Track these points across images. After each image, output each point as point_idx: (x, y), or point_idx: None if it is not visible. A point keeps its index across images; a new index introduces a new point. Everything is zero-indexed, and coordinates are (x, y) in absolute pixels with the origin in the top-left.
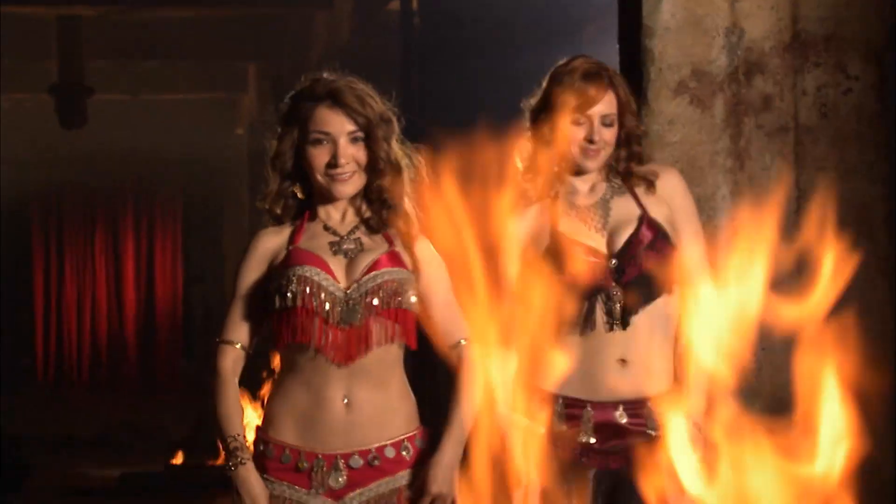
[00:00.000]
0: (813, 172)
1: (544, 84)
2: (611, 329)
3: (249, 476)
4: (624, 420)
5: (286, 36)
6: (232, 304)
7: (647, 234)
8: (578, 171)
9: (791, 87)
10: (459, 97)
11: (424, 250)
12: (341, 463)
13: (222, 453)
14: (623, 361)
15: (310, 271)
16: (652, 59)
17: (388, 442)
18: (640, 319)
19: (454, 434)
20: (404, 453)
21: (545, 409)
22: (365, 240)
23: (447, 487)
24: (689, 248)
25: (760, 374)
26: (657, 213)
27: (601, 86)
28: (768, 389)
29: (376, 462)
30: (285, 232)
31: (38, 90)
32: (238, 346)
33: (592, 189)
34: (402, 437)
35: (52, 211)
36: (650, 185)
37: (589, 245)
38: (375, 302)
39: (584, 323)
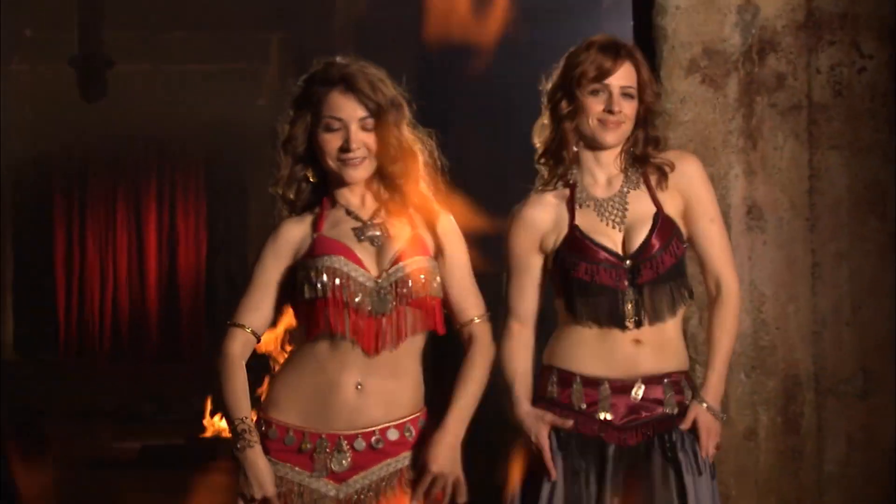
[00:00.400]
0: (826, 151)
1: (561, 63)
2: (623, 329)
3: (257, 459)
4: (640, 397)
5: (308, 6)
6: (248, 289)
7: (663, 235)
8: (596, 148)
9: (805, 66)
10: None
11: (446, 227)
12: (345, 444)
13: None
14: (637, 342)
15: (338, 262)
16: (664, 37)
17: (392, 423)
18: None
19: (458, 413)
20: (407, 434)
21: (564, 386)
22: (389, 225)
23: (449, 467)
24: (709, 236)
25: (774, 353)
26: (671, 208)
27: (620, 55)
28: (782, 368)
29: (380, 444)
30: (307, 220)
31: (59, 61)
32: (249, 330)
33: (609, 182)
34: (405, 419)
35: (75, 181)
36: (663, 175)
37: (604, 244)
38: (405, 291)
39: (597, 319)
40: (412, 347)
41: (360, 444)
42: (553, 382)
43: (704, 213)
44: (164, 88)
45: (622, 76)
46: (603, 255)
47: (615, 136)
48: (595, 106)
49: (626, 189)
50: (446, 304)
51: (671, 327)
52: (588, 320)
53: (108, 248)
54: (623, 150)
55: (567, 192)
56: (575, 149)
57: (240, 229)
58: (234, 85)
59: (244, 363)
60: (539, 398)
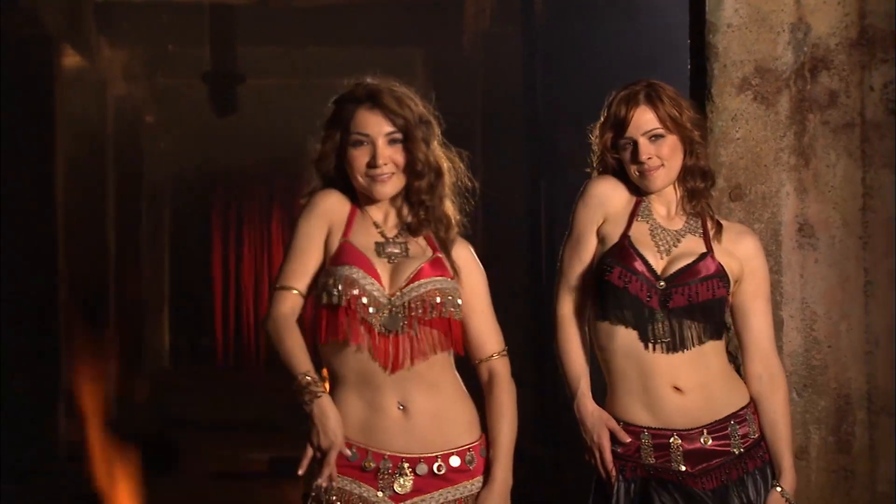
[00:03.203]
0: (880, 169)
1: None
2: (652, 349)
3: (327, 408)
4: (709, 443)
5: (443, 22)
6: (290, 253)
7: (704, 269)
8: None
9: (858, 84)
10: (582, 82)
11: (462, 256)
12: (406, 467)
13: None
14: (677, 390)
15: (357, 273)
16: (716, 55)
17: (454, 450)
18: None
19: (502, 461)
20: (469, 463)
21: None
22: (410, 245)
23: None
24: (759, 315)
25: (826, 372)
26: (723, 258)
27: (630, 103)
28: (834, 387)
29: (442, 471)
30: (346, 207)
31: (194, 76)
32: (295, 292)
33: (670, 215)
34: (468, 445)
35: (233, 194)
36: (720, 230)
37: (647, 261)
38: (419, 312)
39: (628, 336)
40: (437, 361)
41: (423, 469)
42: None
43: (761, 291)
44: (309, 103)
45: (641, 123)
46: (641, 266)
47: (658, 181)
48: (627, 159)
49: (684, 230)
50: (464, 336)
51: (713, 368)
52: (617, 324)
53: (264, 260)
54: (678, 182)
55: (635, 200)
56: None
57: None
58: None
59: (295, 322)
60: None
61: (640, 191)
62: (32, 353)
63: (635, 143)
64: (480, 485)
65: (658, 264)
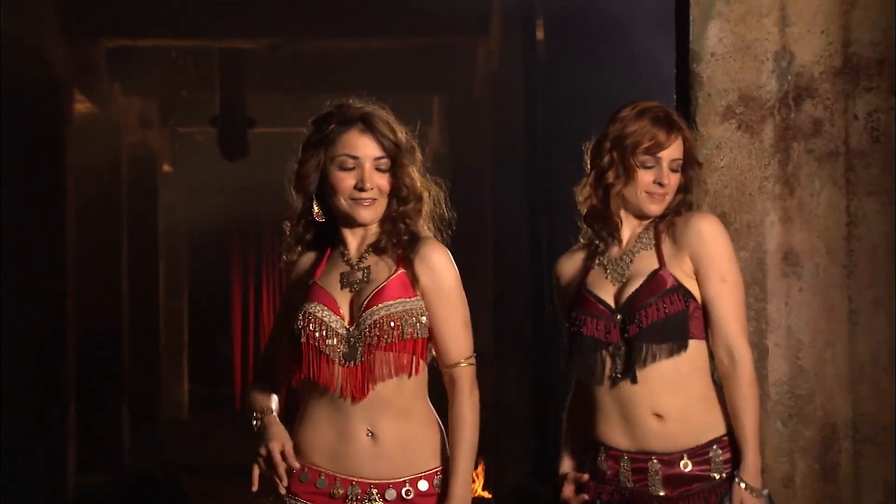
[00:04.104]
0: (864, 197)
1: (609, 127)
2: (614, 384)
3: (270, 422)
4: (689, 469)
5: (455, 67)
6: (272, 330)
7: (652, 290)
8: (640, 216)
9: (842, 112)
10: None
11: (432, 262)
12: (375, 493)
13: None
14: (658, 416)
15: (316, 308)
16: (700, 83)
17: (422, 474)
18: (663, 373)
19: (461, 476)
20: (436, 485)
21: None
22: (373, 267)
23: None
24: (718, 299)
25: (812, 400)
26: (676, 267)
27: (673, 129)
28: (820, 416)
29: (410, 495)
30: (313, 263)
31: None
32: (270, 377)
33: (628, 241)
34: (435, 469)
35: (250, 241)
36: (672, 229)
37: (600, 296)
38: (374, 340)
39: (598, 376)
40: (405, 386)
41: (392, 495)
42: (601, 460)
43: (715, 272)
44: None
45: (674, 150)
46: (595, 306)
47: (660, 207)
48: (645, 177)
49: (636, 249)
50: (432, 343)
51: (695, 390)
52: (571, 374)
53: None
54: (653, 223)
55: (593, 250)
56: (622, 215)
57: None
58: None
59: (270, 380)
60: (591, 474)
61: (595, 247)
62: (39, 399)
63: (661, 167)
64: None
65: (611, 297)
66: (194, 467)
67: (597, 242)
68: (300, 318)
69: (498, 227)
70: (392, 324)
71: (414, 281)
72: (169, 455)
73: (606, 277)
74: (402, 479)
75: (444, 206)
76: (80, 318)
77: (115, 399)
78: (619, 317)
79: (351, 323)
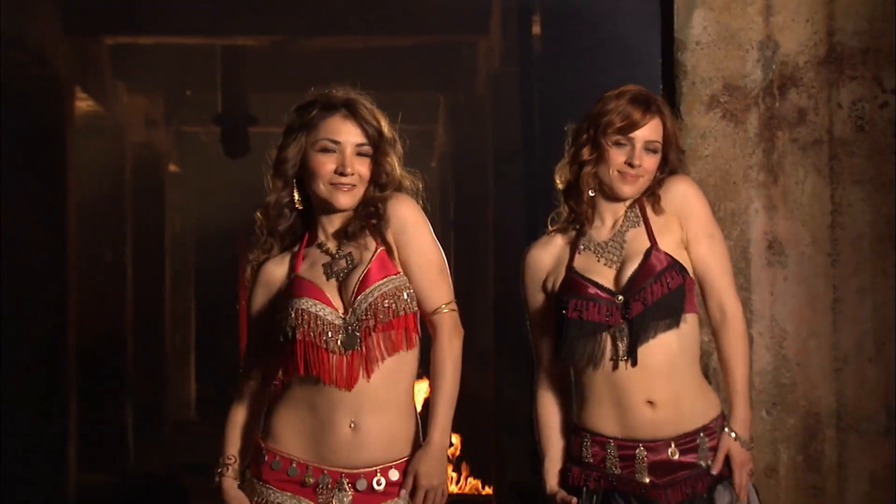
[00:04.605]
0: (848, 186)
1: (593, 107)
2: (615, 367)
3: (228, 489)
4: (676, 456)
5: (458, 65)
6: (248, 337)
7: (652, 268)
8: (613, 198)
9: (826, 101)
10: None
11: (401, 214)
12: (346, 483)
13: None
14: (650, 404)
15: (307, 303)
16: (684, 72)
17: (392, 463)
18: (658, 359)
19: (439, 422)
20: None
21: (599, 449)
22: (354, 252)
23: (438, 478)
24: (707, 255)
25: (795, 389)
26: (666, 241)
27: (648, 110)
28: (803, 405)
29: (380, 486)
30: (286, 260)
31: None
32: (254, 381)
33: (615, 224)
34: (405, 459)
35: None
36: (657, 200)
37: (597, 280)
38: (372, 322)
39: (597, 360)
40: (394, 377)
41: (363, 484)
42: (586, 446)
43: (702, 229)
44: None
45: (648, 131)
46: (593, 290)
47: (633, 189)
48: (617, 157)
49: (625, 228)
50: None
51: (686, 377)
52: (569, 361)
53: None
54: (636, 200)
55: (574, 234)
56: (591, 194)
57: None
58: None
59: (249, 408)
60: (574, 460)
61: (575, 230)
62: (40, 399)
63: (633, 147)
64: None
65: (610, 278)
66: (197, 467)
67: (576, 226)
68: (291, 315)
69: (498, 227)
70: (387, 303)
71: (389, 251)
72: (174, 455)
73: (599, 261)
74: (373, 469)
75: (421, 195)
76: (85, 319)
77: (118, 399)
78: (620, 298)
79: (346, 311)
